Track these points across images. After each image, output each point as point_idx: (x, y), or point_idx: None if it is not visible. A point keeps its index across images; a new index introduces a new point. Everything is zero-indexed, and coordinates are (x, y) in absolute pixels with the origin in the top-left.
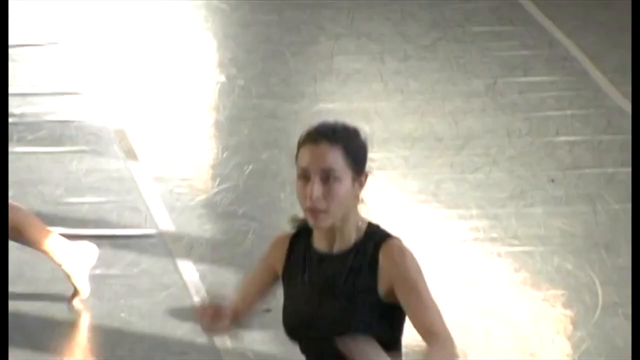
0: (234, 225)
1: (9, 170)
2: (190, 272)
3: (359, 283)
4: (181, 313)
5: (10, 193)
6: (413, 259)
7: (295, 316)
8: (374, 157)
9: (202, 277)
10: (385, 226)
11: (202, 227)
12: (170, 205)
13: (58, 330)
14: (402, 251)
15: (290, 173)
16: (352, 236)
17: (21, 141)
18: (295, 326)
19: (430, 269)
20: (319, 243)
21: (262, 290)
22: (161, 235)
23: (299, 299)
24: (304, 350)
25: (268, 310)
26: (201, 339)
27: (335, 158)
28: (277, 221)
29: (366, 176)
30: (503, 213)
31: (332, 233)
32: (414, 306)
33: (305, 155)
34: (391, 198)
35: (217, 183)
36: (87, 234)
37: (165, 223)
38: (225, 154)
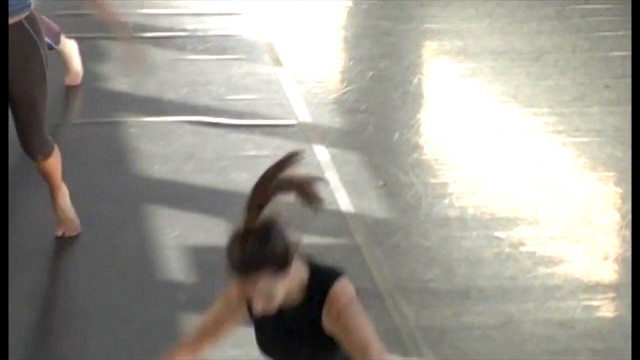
0: (357, 118)
1: (183, 74)
2: (323, 154)
3: (312, 330)
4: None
5: (184, 91)
6: (349, 306)
7: (267, 347)
8: (468, 66)
9: (332, 158)
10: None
11: (332, 120)
12: (308, 102)
13: (220, 197)
14: (340, 307)
15: (401, 78)
16: (296, 297)
17: (193, 51)
18: (268, 352)
19: (510, 155)
20: None
21: (218, 330)
22: (300, 125)
23: (268, 336)
24: None
25: (385, 185)
26: (331, 206)
27: (266, 283)
28: (391, 115)
29: (292, 259)
30: (567, 111)
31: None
32: (357, 348)
33: (239, 286)
34: (480, 99)
35: (344, 85)
36: (243, 123)
37: (304, 116)
38: (351, 63)
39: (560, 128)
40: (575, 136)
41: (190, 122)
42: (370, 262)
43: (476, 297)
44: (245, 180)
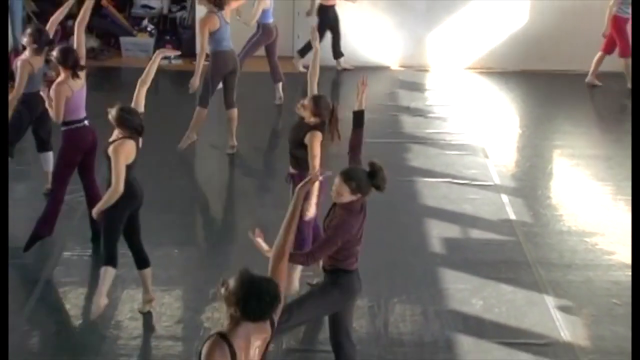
0: (522, 183)
1: (440, 158)
2: (505, 199)
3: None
4: (497, 212)
5: (439, 169)
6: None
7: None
8: (576, 163)
9: (509, 201)
10: None
11: (511, 183)
12: (499, 174)
13: (450, 215)
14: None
15: (543, 166)
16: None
17: (444, 147)
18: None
19: (596, 206)
20: None
21: None
22: (495, 185)
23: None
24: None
25: (533, 214)
26: (506, 223)
27: None
28: (538, 183)
29: None
30: (623, 184)
31: None
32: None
33: None
34: (582, 180)
35: (517, 168)
36: (468, 183)
37: (497, 180)
38: (520, 157)
39: (619, 197)
40: (627, 198)
41: (439, 182)
42: (525, 248)
43: (575, 268)
44: (470, 209)
